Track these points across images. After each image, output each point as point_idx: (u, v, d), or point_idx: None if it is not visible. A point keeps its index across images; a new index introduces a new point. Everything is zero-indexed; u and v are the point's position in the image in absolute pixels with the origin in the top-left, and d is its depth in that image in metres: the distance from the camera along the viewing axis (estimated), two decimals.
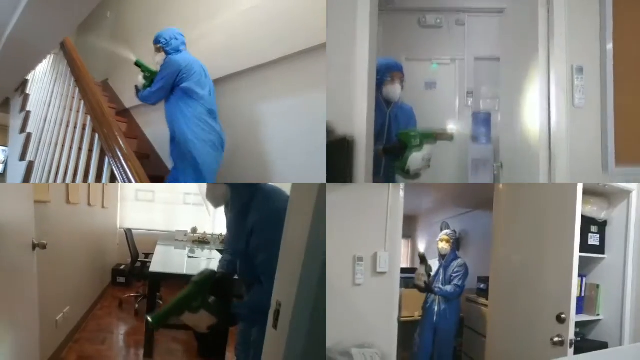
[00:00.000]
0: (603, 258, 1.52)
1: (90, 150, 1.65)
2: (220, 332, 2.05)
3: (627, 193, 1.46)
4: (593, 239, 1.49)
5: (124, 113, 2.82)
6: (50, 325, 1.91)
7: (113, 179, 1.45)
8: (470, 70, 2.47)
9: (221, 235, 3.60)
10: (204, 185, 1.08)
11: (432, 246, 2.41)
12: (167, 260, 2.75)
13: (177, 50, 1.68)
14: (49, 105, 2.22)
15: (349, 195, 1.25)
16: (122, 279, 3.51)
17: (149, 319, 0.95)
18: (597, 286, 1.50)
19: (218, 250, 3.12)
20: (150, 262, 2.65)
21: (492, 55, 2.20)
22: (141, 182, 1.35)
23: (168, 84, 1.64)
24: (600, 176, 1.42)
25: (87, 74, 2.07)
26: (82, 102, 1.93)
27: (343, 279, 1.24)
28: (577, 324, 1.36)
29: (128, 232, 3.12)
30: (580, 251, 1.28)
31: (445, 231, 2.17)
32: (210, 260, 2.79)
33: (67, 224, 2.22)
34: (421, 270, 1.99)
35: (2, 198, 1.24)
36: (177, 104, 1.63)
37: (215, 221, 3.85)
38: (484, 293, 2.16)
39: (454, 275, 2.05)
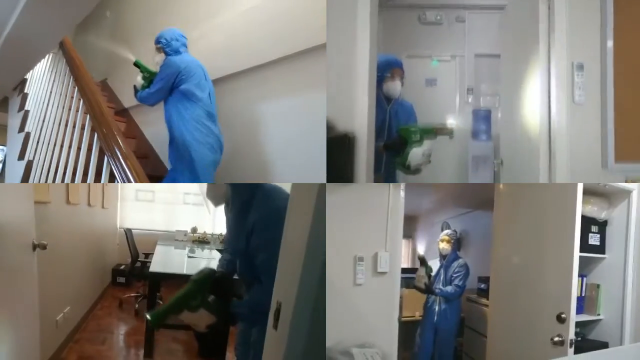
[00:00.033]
0: (603, 258, 1.52)
1: (89, 150, 1.64)
2: (220, 332, 2.05)
3: (627, 193, 1.46)
4: (593, 239, 1.49)
5: (122, 113, 2.82)
6: (51, 325, 1.91)
7: (112, 178, 1.45)
8: (471, 67, 2.47)
9: (221, 235, 3.60)
10: (205, 184, 1.08)
11: (432, 246, 2.40)
12: (167, 260, 2.75)
13: (177, 52, 1.67)
14: (48, 105, 2.22)
15: (349, 195, 1.24)
16: (122, 279, 3.51)
17: (148, 317, 0.95)
18: (598, 286, 1.50)
19: (218, 250, 3.12)
20: (150, 262, 2.65)
21: (493, 52, 2.20)
22: (140, 181, 1.35)
23: (167, 86, 1.63)
24: (599, 172, 1.42)
25: (86, 73, 2.07)
26: (81, 101, 1.93)
27: (344, 279, 1.24)
28: (578, 324, 1.36)
29: (128, 232, 3.11)
30: (581, 251, 1.28)
31: (445, 231, 2.17)
32: (210, 260, 2.79)
33: (67, 224, 2.22)
34: (421, 272, 1.99)
35: (2, 198, 1.24)
36: (175, 106, 1.62)
37: (215, 221, 3.84)
38: (484, 293, 2.16)
39: (455, 275, 2.06)
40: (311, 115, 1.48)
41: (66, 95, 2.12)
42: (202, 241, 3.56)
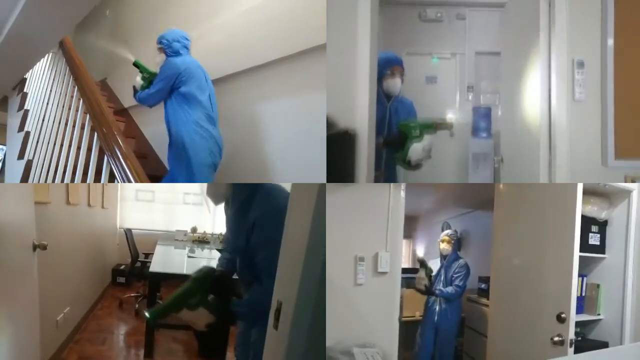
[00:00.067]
0: (603, 258, 1.52)
1: (89, 149, 1.64)
2: (220, 332, 2.05)
3: (627, 193, 1.46)
4: (593, 239, 1.49)
5: (122, 112, 2.82)
6: (51, 325, 1.90)
7: (112, 178, 1.45)
8: (471, 65, 2.47)
9: (221, 234, 3.60)
10: (205, 183, 1.07)
11: (433, 246, 2.41)
12: (167, 260, 2.75)
13: (178, 53, 1.65)
14: (48, 104, 2.21)
15: (350, 195, 1.25)
16: (122, 279, 3.51)
17: (147, 314, 0.94)
18: (598, 286, 1.50)
19: (218, 250, 3.12)
20: (150, 262, 2.65)
21: (493, 49, 2.20)
22: (140, 181, 1.35)
23: (166, 87, 1.61)
24: (599, 169, 1.43)
25: (86, 72, 2.06)
26: (81, 100, 1.92)
27: (344, 278, 1.24)
28: (578, 324, 1.36)
29: (128, 232, 3.11)
30: (581, 251, 1.28)
31: (446, 231, 2.17)
32: (210, 260, 2.79)
33: (67, 224, 2.22)
34: (421, 273, 1.99)
35: (2, 199, 1.24)
36: (175, 108, 1.61)
37: (215, 221, 3.84)
38: (485, 293, 2.17)
39: (455, 275, 2.06)
40: (311, 115, 1.48)
41: (66, 95, 2.12)
42: (202, 241, 3.56)
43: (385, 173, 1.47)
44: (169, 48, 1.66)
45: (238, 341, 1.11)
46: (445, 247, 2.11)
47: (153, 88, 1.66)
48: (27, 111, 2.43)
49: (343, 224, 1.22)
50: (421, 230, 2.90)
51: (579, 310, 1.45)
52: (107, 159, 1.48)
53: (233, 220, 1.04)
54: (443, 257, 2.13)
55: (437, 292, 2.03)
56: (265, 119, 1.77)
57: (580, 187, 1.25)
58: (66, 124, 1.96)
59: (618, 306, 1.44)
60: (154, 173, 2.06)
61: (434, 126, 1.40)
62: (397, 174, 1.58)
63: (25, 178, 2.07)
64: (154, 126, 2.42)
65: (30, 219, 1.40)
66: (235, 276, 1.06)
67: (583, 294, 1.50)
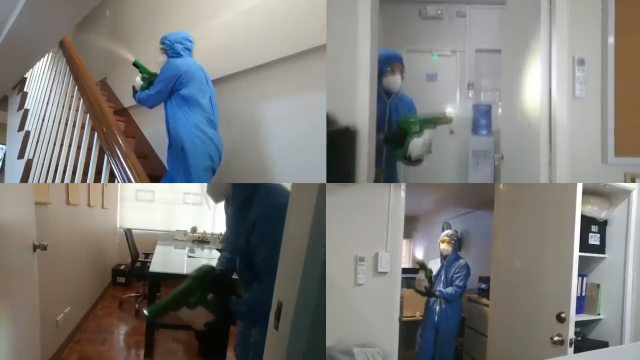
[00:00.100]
0: (603, 258, 1.52)
1: (89, 149, 1.64)
2: (220, 332, 2.05)
3: (627, 192, 1.46)
4: (593, 239, 1.50)
5: (122, 112, 2.82)
6: (51, 326, 1.90)
7: (112, 177, 1.45)
8: (471, 62, 2.47)
9: (221, 234, 3.60)
10: None
11: (433, 246, 2.41)
12: (167, 260, 2.75)
13: (179, 55, 1.64)
14: (48, 103, 2.21)
15: (350, 195, 1.25)
16: (122, 279, 3.51)
17: (145, 312, 0.94)
18: (598, 286, 1.50)
19: (218, 250, 3.12)
20: (150, 262, 2.65)
21: (493, 47, 2.20)
22: (141, 181, 1.35)
23: (166, 89, 1.60)
24: (599, 167, 1.43)
25: (86, 72, 2.06)
26: (81, 100, 1.92)
27: (345, 278, 1.24)
28: (578, 324, 1.37)
29: (128, 232, 3.11)
30: (581, 251, 1.28)
31: (446, 231, 2.17)
32: (210, 260, 2.79)
33: (67, 224, 2.22)
34: (421, 276, 1.99)
35: (3, 199, 1.24)
36: (175, 111, 1.59)
37: (215, 220, 3.84)
38: (485, 293, 2.17)
39: (456, 276, 2.06)
40: (311, 116, 1.48)
41: (66, 94, 2.12)
42: (202, 241, 3.56)
43: (385, 170, 1.47)
44: (170, 49, 1.65)
45: (238, 341, 1.11)
46: (445, 247, 2.11)
47: (153, 89, 1.64)
48: (27, 110, 2.43)
49: (343, 224, 1.22)
50: (421, 230, 2.90)
51: (579, 310, 1.46)
52: (107, 159, 1.48)
53: (233, 219, 1.04)
54: (443, 257, 2.13)
55: (437, 293, 2.03)
56: (266, 119, 1.77)
57: (580, 187, 1.25)
58: (66, 124, 1.96)
59: (618, 306, 1.44)
60: (154, 173, 2.06)
61: (433, 121, 1.40)
62: (398, 171, 1.58)
63: (25, 177, 2.07)
64: (153, 126, 2.42)
65: (31, 220, 1.40)
66: (234, 276, 1.06)
67: (583, 294, 1.50)
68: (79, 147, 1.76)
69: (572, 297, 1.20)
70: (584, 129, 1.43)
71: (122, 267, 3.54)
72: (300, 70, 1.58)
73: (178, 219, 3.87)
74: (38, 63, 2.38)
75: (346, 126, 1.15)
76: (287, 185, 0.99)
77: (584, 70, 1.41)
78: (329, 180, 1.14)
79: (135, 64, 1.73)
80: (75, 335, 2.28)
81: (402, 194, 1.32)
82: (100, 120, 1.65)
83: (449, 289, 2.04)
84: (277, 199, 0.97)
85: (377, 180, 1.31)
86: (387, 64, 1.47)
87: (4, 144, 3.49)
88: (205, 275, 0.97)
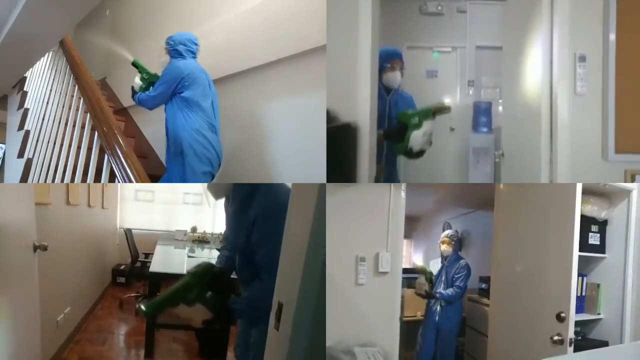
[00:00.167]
0: (604, 257, 1.52)
1: (90, 149, 1.64)
2: (221, 332, 2.05)
3: (627, 192, 1.46)
4: (593, 239, 1.50)
5: (121, 112, 2.82)
6: (51, 326, 1.90)
7: (112, 177, 1.45)
8: (472, 59, 2.47)
9: (221, 234, 3.60)
10: None
11: (434, 247, 2.41)
12: (167, 260, 2.75)
13: (181, 56, 1.62)
14: (48, 103, 2.21)
15: (350, 195, 1.25)
16: (122, 279, 3.51)
17: (143, 307, 0.93)
18: (598, 285, 1.51)
19: (218, 250, 3.12)
20: (150, 262, 2.65)
21: (494, 44, 2.20)
22: (141, 180, 1.35)
23: (168, 91, 1.58)
24: (600, 163, 1.43)
25: (86, 71, 2.06)
26: (81, 100, 1.92)
27: (346, 278, 1.24)
28: (578, 323, 1.37)
29: (128, 232, 3.11)
30: (581, 250, 1.29)
31: (446, 232, 2.17)
32: (210, 259, 2.77)
33: (67, 225, 2.22)
34: (421, 279, 1.99)
35: (3, 200, 1.24)
36: (175, 112, 1.57)
37: (215, 220, 3.84)
38: (485, 293, 2.17)
39: (457, 276, 2.06)
40: (311, 116, 1.48)
41: (66, 94, 2.12)
42: (202, 241, 3.56)
43: (385, 167, 1.46)
44: (173, 50, 1.63)
45: (238, 341, 1.11)
46: (445, 248, 2.11)
47: (154, 91, 1.63)
48: (27, 110, 2.43)
49: (344, 224, 1.23)
50: (422, 230, 2.91)
51: (579, 310, 1.46)
52: (108, 158, 1.47)
53: (234, 217, 1.03)
54: (444, 258, 2.13)
55: (437, 295, 2.03)
56: (266, 120, 1.77)
57: (579, 187, 1.26)
58: (66, 123, 1.96)
59: (618, 305, 1.44)
60: (154, 172, 2.06)
61: (432, 111, 1.39)
62: (398, 168, 1.58)
63: (24, 177, 2.07)
64: (153, 126, 2.42)
65: (31, 220, 1.40)
66: (234, 275, 1.06)
67: (583, 294, 1.50)
68: (79, 147, 1.76)
69: (572, 296, 1.20)
70: (584, 125, 1.43)
71: (122, 267, 3.54)
72: (301, 71, 1.58)
73: (178, 219, 3.87)
74: (38, 62, 2.38)
75: (347, 123, 1.14)
76: (288, 184, 0.99)
77: (585, 67, 1.41)
78: (330, 176, 1.14)
79: (134, 64, 1.72)
80: (76, 336, 2.28)
81: (403, 194, 1.32)
82: (100, 120, 1.64)
83: (450, 290, 2.04)
84: (278, 197, 0.96)
85: (377, 177, 1.31)
86: (387, 60, 1.47)
87: (4, 143, 3.48)
88: (204, 272, 0.96)
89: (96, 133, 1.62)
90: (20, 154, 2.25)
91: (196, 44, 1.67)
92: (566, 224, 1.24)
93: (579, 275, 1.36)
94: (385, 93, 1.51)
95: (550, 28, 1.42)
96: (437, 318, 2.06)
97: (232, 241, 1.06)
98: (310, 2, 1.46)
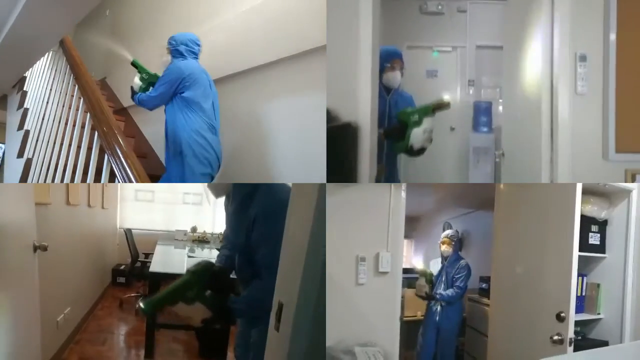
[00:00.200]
0: (604, 257, 1.52)
1: (89, 148, 1.64)
2: (221, 332, 2.05)
3: (627, 192, 1.46)
4: (593, 239, 1.50)
5: (121, 112, 2.82)
6: (52, 326, 1.90)
7: (112, 177, 1.45)
8: (472, 59, 2.47)
9: (221, 234, 3.60)
10: None
11: (434, 247, 2.41)
12: (167, 260, 2.75)
13: (182, 56, 1.61)
14: (47, 103, 2.21)
15: (351, 195, 1.25)
16: (122, 279, 3.51)
17: (142, 305, 0.93)
18: (598, 285, 1.51)
19: (218, 250, 3.11)
20: (150, 262, 2.65)
21: (494, 43, 2.19)
22: (141, 180, 1.35)
23: (169, 91, 1.57)
24: (600, 163, 1.44)
25: (86, 71, 2.06)
26: (81, 99, 1.92)
27: (346, 278, 1.24)
28: (578, 323, 1.37)
29: (128, 232, 3.11)
30: (581, 250, 1.29)
31: (446, 232, 2.17)
32: (210, 259, 2.78)
33: (67, 225, 2.22)
34: (422, 282, 2.00)
35: (3, 200, 1.23)
36: (175, 113, 1.57)
37: (215, 220, 3.84)
38: (486, 293, 2.17)
39: (457, 277, 2.06)
40: (311, 116, 1.48)
41: (66, 94, 2.12)
42: (202, 240, 3.56)
43: (386, 166, 1.46)
44: (174, 49, 1.63)
45: (238, 342, 1.10)
46: (445, 248, 2.12)
47: (155, 91, 1.62)
48: (26, 110, 2.43)
49: (344, 224, 1.23)
50: (422, 230, 2.91)
51: (580, 310, 1.46)
52: (108, 158, 1.47)
53: (234, 216, 1.03)
54: (444, 258, 2.13)
55: (437, 296, 2.03)
56: (266, 120, 1.77)
57: (579, 187, 1.26)
58: (66, 123, 1.96)
59: (618, 305, 1.44)
60: (154, 172, 2.06)
61: (432, 108, 1.39)
62: (398, 167, 1.58)
63: (24, 177, 2.07)
64: (153, 126, 2.42)
65: (31, 220, 1.40)
66: (233, 275, 1.05)
67: (583, 294, 1.50)
68: (79, 147, 1.76)
69: (572, 296, 1.20)
70: (585, 125, 1.43)
71: (122, 267, 3.54)
72: (301, 71, 1.58)
73: (178, 219, 3.87)
74: (38, 62, 2.38)
75: (348, 122, 1.14)
76: (288, 184, 0.99)
77: (585, 66, 1.41)
78: (331, 176, 1.14)
79: (134, 64, 1.71)
80: (76, 336, 2.28)
81: (403, 194, 1.32)
82: (100, 120, 1.64)
83: (450, 291, 2.04)
84: (278, 195, 0.96)
85: (378, 177, 1.31)
86: (387, 60, 1.47)
87: (3, 143, 3.48)
88: (203, 270, 0.96)
89: (96, 133, 1.62)
90: (20, 154, 2.25)
91: (198, 45, 1.67)
92: (566, 224, 1.24)
93: (579, 275, 1.36)
94: (385, 93, 1.51)
95: (550, 27, 1.42)
96: (437, 318, 2.06)
97: (232, 240, 1.06)
98: (310, 2, 1.46)
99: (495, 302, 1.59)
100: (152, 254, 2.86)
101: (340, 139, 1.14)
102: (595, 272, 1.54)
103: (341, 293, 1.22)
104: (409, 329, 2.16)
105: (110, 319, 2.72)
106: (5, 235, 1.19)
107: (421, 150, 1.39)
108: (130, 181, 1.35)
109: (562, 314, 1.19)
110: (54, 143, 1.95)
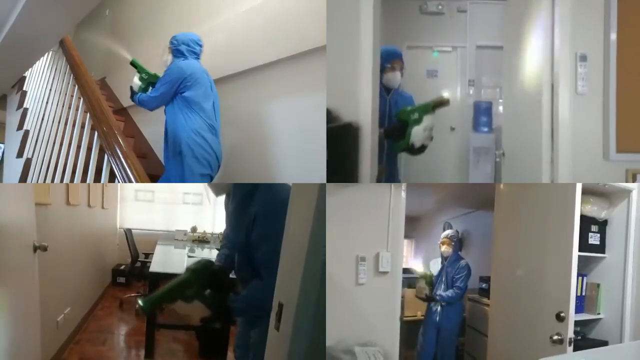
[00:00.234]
0: (603, 257, 1.52)
1: (89, 148, 1.64)
2: (221, 332, 2.05)
3: (627, 192, 1.46)
4: (593, 239, 1.50)
5: (121, 112, 2.81)
6: (52, 326, 1.90)
7: (112, 177, 1.45)
8: (472, 59, 2.47)
9: (221, 234, 3.60)
10: None
11: (434, 247, 2.41)
12: (167, 260, 2.75)
13: (183, 55, 1.61)
14: (47, 103, 2.21)
15: (351, 195, 1.25)
16: (122, 279, 3.51)
17: (140, 302, 0.92)
18: (598, 285, 1.51)
19: (218, 250, 3.11)
20: (150, 262, 2.65)
21: (494, 43, 2.19)
22: (141, 180, 1.35)
23: (169, 91, 1.56)
24: (601, 163, 1.44)
25: (86, 71, 2.06)
26: (81, 99, 1.92)
27: (346, 278, 1.25)
28: (578, 323, 1.37)
29: (128, 232, 3.11)
30: (581, 250, 1.29)
31: (446, 232, 2.17)
32: (210, 259, 2.78)
33: (68, 225, 2.22)
34: (422, 284, 2.00)
35: (3, 200, 1.23)
36: (175, 113, 1.56)
37: (215, 220, 3.84)
38: (485, 293, 2.17)
39: (457, 277, 2.06)
40: (312, 116, 1.48)
41: (66, 93, 2.12)
42: (202, 240, 3.56)
43: (386, 166, 1.46)
44: (175, 49, 1.62)
45: (237, 342, 1.10)
46: (445, 249, 2.12)
47: (156, 92, 1.61)
48: (26, 109, 2.43)
49: (344, 224, 1.23)
50: (422, 230, 2.91)
51: (579, 310, 1.46)
52: (108, 158, 1.47)
53: (234, 215, 1.03)
54: (444, 258, 2.13)
55: (437, 297, 2.03)
56: (266, 120, 1.77)
57: (579, 187, 1.26)
58: (66, 123, 1.96)
59: (618, 305, 1.44)
60: (154, 172, 2.06)
61: (431, 105, 1.39)
62: (398, 167, 1.58)
63: (24, 177, 2.07)
64: (153, 126, 2.42)
65: (31, 220, 1.40)
66: (232, 274, 1.05)
67: (583, 294, 1.50)
68: (78, 147, 1.76)
69: (572, 296, 1.20)
70: (585, 125, 1.43)
71: (122, 267, 3.54)
72: (301, 71, 1.58)
73: (178, 219, 3.87)
74: (38, 62, 2.38)
75: (349, 122, 1.14)
76: (288, 184, 0.99)
77: (586, 66, 1.41)
78: (332, 176, 1.14)
79: (133, 64, 1.70)
80: (76, 336, 2.28)
81: (403, 194, 1.32)
82: (100, 120, 1.64)
83: (449, 292, 2.04)
84: (279, 194, 0.96)
85: (379, 178, 1.31)
86: (387, 60, 1.47)
87: (3, 143, 3.48)
88: (202, 269, 0.96)
89: (96, 133, 1.62)
90: (20, 154, 2.25)
91: (200, 45, 1.66)
92: (566, 224, 1.24)
93: (578, 275, 1.37)
94: (385, 93, 1.51)
95: (551, 27, 1.42)
96: (437, 318, 2.06)
97: (232, 239, 1.06)
98: (310, 2, 1.46)
99: (495, 302, 1.59)
100: (152, 254, 2.85)
101: (341, 139, 1.14)
102: (595, 272, 1.54)
103: (341, 293, 1.22)
104: (409, 329, 2.16)
105: (110, 319, 2.72)
106: (5, 235, 1.19)
107: (422, 148, 1.39)
108: (130, 181, 1.35)
109: (562, 314, 1.20)
110: (54, 143, 1.95)
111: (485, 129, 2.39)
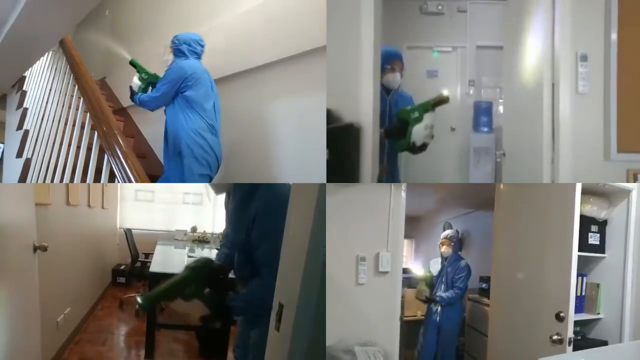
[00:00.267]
0: (603, 257, 1.52)
1: (89, 148, 1.64)
2: (221, 332, 2.05)
3: (627, 192, 1.47)
4: (593, 239, 1.50)
5: (121, 112, 2.81)
6: (52, 326, 1.90)
7: (112, 177, 1.45)
8: (472, 59, 2.47)
9: (221, 234, 3.60)
10: None
11: (434, 247, 2.41)
12: (167, 260, 2.75)
13: (184, 55, 1.60)
14: (47, 102, 2.21)
15: (351, 195, 1.25)
16: (122, 279, 3.51)
17: (139, 299, 0.92)
18: (598, 285, 1.51)
19: (218, 250, 3.11)
20: (150, 262, 2.65)
21: (494, 43, 2.19)
22: (141, 180, 1.35)
23: (170, 91, 1.56)
24: (602, 163, 1.43)
25: (86, 71, 2.06)
26: (81, 99, 1.92)
27: (346, 278, 1.25)
28: (578, 323, 1.37)
29: (128, 233, 3.11)
30: (581, 250, 1.29)
31: (446, 232, 2.17)
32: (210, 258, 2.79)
33: (68, 225, 2.22)
34: (421, 286, 2.00)
35: (3, 200, 1.23)
36: (176, 113, 1.56)
37: (215, 220, 3.84)
38: (486, 293, 2.17)
39: (457, 277, 2.06)
40: (312, 116, 1.48)
41: (66, 93, 2.12)
42: (202, 240, 3.56)
43: (387, 166, 1.46)
44: (176, 49, 1.62)
45: (237, 342, 1.10)
46: (445, 249, 2.12)
47: (157, 92, 1.60)
48: (26, 109, 2.43)
49: (344, 224, 1.23)
50: (422, 230, 2.91)
51: (579, 310, 1.46)
52: (107, 158, 1.47)
53: (234, 213, 1.03)
54: (444, 258, 2.13)
55: (437, 298, 2.04)
56: (266, 120, 1.77)
57: (579, 187, 1.26)
58: (66, 123, 1.96)
59: (617, 305, 1.44)
60: (154, 172, 2.06)
61: (431, 103, 1.38)
62: (399, 167, 1.58)
63: (23, 176, 2.07)
64: (153, 126, 2.42)
65: (31, 220, 1.40)
66: (232, 274, 1.05)
67: (583, 294, 1.51)
68: (78, 147, 1.76)
69: (572, 296, 1.20)
70: (586, 125, 1.42)
71: (122, 267, 3.54)
72: (301, 71, 1.58)
73: (178, 219, 3.87)
74: (38, 62, 2.38)
75: (350, 123, 1.14)
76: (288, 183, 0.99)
77: (586, 66, 1.41)
78: (333, 177, 1.14)
79: (132, 63, 1.69)
80: (76, 336, 2.28)
81: (403, 194, 1.32)
82: (100, 120, 1.64)
83: (449, 293, 2.05)
84: (279, 193, 0.96)
85: (380, 178, 1.31)
86: (387, 61, 1.47)
87: (2, 143, 3.48)
88: (202, 267, 0.96)
89: (96, 133, 1.62)
90: (19, 154, 2.25)
91: (201, 45, 1.66)
92: (566, 223, 1.24)
93: (578, 275, 1.37)
94: (385, 93, 1.51)
95: (551, 27, 1.41)
96: (437, 318, 2.06)
97: (232, 238, 1.05)
98: (311, 2, 1.46)
99: (495, 302, 1.59)
100: (152, 254, 2.85)
101: (342, 140, 1.14)
102: (595, 272, 1.54)
103: (341, 293, 1.22)
104: (409, 329, 2.16)
105: (111, 319, 2.72)
106: (5, 235, 1.19)
107: (423, 147, 1.39)
108: (130, 181, 1.35)
109: (562, 314, 1.20)
110: (54, 143, 1.95)
111: (486, 129, 2.39)
